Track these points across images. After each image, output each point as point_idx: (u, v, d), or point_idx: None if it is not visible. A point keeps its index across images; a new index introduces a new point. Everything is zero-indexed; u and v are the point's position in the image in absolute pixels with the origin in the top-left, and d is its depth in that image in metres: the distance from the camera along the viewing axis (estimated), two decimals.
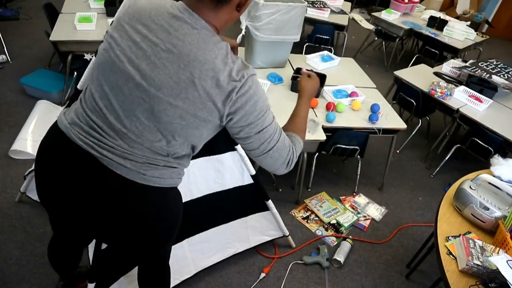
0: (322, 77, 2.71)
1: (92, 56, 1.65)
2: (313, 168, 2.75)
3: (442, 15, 5.07)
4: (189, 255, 1.91)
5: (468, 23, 5.01)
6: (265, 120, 1.05)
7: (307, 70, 1.58)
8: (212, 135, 1.10)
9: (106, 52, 1.00)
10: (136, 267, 1.56)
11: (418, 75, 3.36)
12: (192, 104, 0.96)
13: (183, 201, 1.77)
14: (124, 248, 1.35)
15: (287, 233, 2.22)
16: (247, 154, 1.82)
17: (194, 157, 1.71)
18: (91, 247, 1.91)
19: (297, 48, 3.34)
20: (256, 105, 1.01)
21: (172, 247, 1.82)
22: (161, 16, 0.96)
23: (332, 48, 4.52)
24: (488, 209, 1.63)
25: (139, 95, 0.97)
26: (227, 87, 0.96)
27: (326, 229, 2.52)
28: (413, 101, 3.17)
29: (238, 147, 1.77)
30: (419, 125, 3.36)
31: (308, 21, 4.46)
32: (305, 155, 2.43)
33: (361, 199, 2.84)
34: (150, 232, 1.17)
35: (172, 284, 1.89)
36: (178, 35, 0.95)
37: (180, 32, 0.95)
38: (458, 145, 3.00)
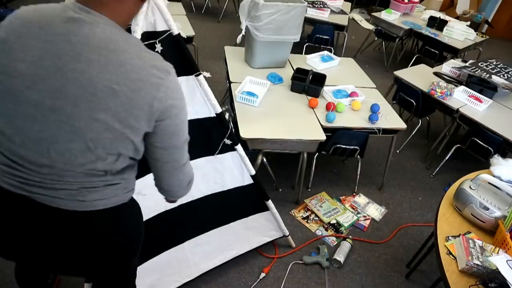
0: (321, 77, 2.72)
1: None
2: (313, 168, 2.75)
3: (442, 15, 5.07)
4: (190, 257, 1.90)
5: (468, 23, 5.02)
6: (186, 129, 1.00)
7: None
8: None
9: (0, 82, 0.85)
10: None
11: (418, 75, 3.36)
12: (116, 114, 0.86)
13: (185, 202, 1.78)
14: (89, 275, 1.28)
15: (287, 233, 2.22)
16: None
17: (193, 157, 1.73)
18: None
19: (297, 48, 3.33)
20: (183, 109, 0.96)
21: (173, 249, 1.83)
22: (54, 23, 0.83)
23: (332, 48, 4.52)
24: (488, 209, 1.63)
25: (55, 118, 0.85)
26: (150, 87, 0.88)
27: (326, 229, 2.52)
28: (413, 101, 3.17)
29: (238, 147, 1.77)
30: (419, 125, 3.37)
31: (308, 21, 4.47)
32: (305, 155, 2.43)
33: (361, 199, 2.84)
34: (107, 256, 1.07)
35: (173, 286, 1.89)
36: (80, 39, 0.83)
37: (81, 35, 0.83)
38: (458, 145, 3.00)
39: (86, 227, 1.00)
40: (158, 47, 1.41)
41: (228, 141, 1.73)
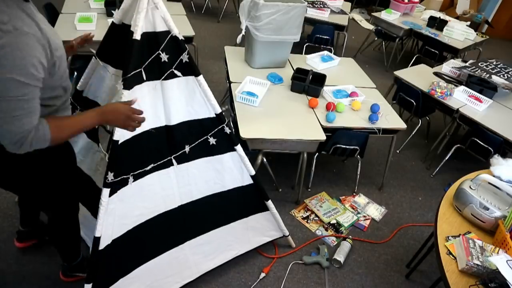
0: (321, 77, 2.72)
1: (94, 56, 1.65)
2: (313, 168, 2.75)
3: (442, 15, 5.07)
4: (191, 258, 1.90)
5: (468, 23, 5.02)
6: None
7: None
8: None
9: None
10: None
11: (418, 75, 3.37)
12: None
13: (185, 202, 1.78)
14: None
15: (287, 233, 2.22)
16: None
17: (194, 158, 1.73)
18: (90, 243, 1.91)
19: (297, 48, 3.34)
20: None
21: (173, 249, 1.82)
22: None
23: (332, 48, 4.52)
24: (488, 209, 1.63)
25: None
26: None
27: (326, 229, 2.52)
28: (413, 101, 3.17)
29: (238, 147, 1.77)
30: (419, 125, 3.36)
31: (308, 21, 4.47)
32: (305, 155, 2.43)
33: (361, 199, 2.84)
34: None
35: (174, 287, 1.89)
36: None
37: None
38: (458, 145, 3.00)
39: None
40: (164, 56, 1.43)
41: (227, 129, 1.71)
